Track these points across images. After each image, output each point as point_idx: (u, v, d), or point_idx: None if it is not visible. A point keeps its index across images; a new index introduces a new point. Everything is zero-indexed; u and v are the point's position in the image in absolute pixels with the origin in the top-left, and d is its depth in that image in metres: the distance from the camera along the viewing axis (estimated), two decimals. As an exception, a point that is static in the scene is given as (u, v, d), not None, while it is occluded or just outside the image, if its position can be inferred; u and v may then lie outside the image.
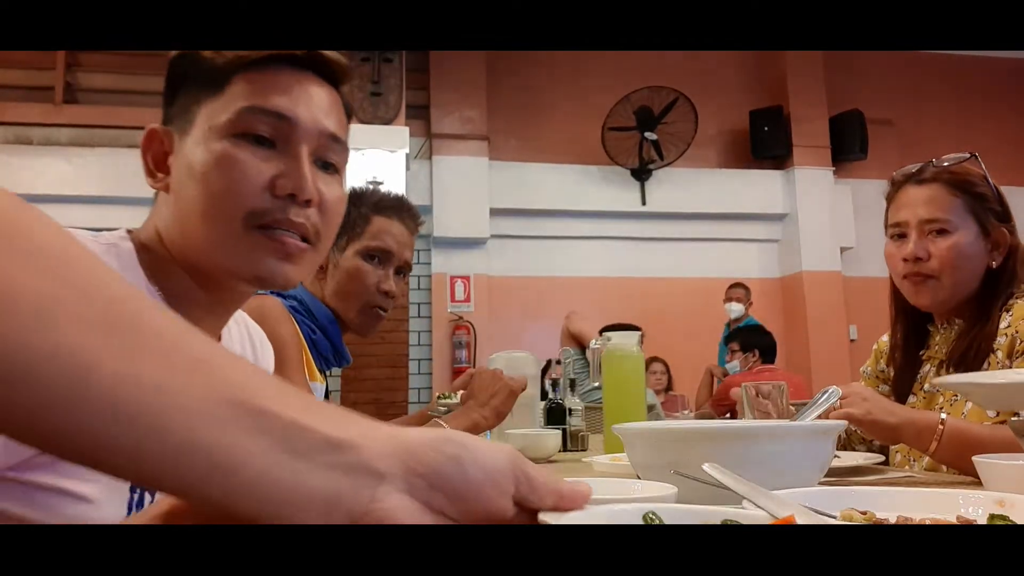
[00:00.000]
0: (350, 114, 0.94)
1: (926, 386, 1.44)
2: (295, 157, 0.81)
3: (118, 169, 5.20)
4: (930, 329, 1.49)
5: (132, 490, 0.78)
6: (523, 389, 1.67)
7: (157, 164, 0.85)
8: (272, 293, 1.47)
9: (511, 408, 1.63)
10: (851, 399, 1.21)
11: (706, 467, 0.68)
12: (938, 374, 1.42)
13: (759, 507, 0.61)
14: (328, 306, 1.61)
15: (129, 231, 0.86)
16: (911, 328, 1.51)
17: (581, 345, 4.13)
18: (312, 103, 0.83)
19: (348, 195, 1.63)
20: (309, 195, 0.80)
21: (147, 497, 0.79)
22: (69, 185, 5.15)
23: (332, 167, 0.87)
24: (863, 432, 1.34)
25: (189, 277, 0.83)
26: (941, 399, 1.40)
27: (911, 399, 1.46)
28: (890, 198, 1.47)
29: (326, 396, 1.65)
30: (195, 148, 0.80)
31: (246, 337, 1.02)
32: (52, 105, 5.35)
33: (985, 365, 1.33)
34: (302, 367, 1.43)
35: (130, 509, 0.77)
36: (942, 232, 1.38)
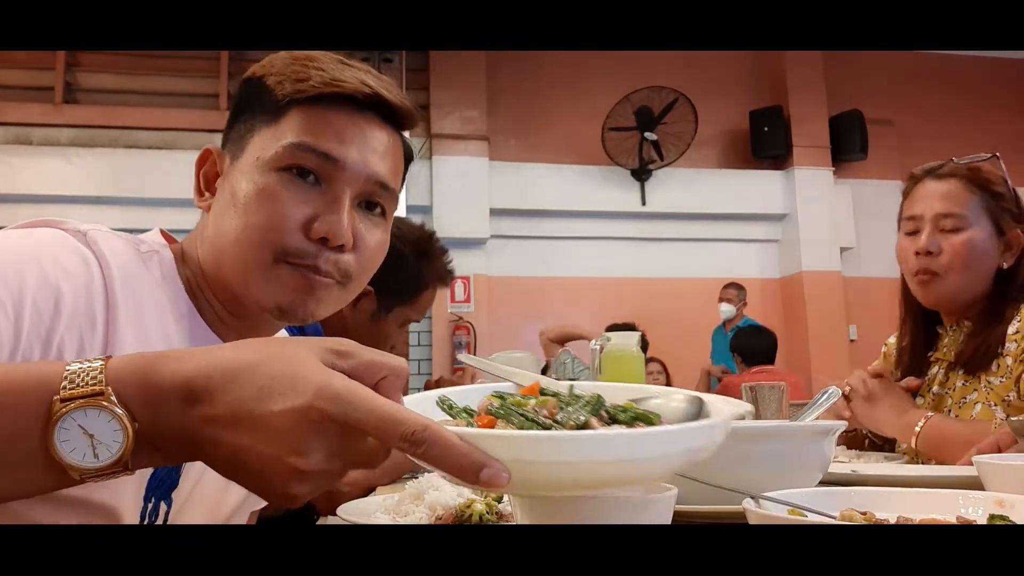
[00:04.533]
0: (410, 159, 0.91)
1: (935, 388, 1.44)
2: (335, 200, 0.79)
3: (118, 169, 5.20)
4: (939, 331, 1.48)
5: (146, 499, 0.77)
6: None
7: (207, 184, 0.85)
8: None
9: None
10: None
11: (461, 357, 0.71)
12: (947, 376, 1.41)
13: (506, 379, 0.65)
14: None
15: (165, 235, 0.86)
16: (920, 330, 1.50)
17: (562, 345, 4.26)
18: (365, 146, 0.81)
19: (415, 245, 1.65)
20: (343, 241, 0.79)
21: (161, 506, 0.79)
22: (69, 185, 5.15)
23: (378, 208, 0.84)
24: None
25: (219, 301, 0.83)
26: (949, 401, 1.39)
27: (919, 401, 1.45)
28: (907, 192, 1.47)
29: None
30: (241, 177, 0.79)
31: None
32: (52, 105, 5.34)
33: (994, 367, 1.33)
34: None
35: (143, 518, 0.77)
36: (956, 228, 1.37)
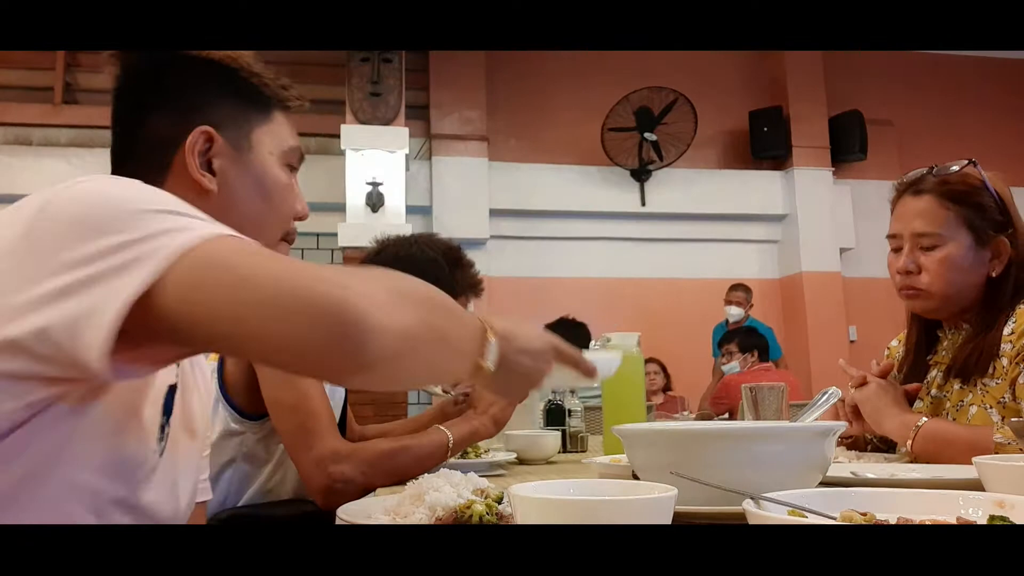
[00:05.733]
0: None
1: (933, 391, 1.44)
2: (298, 188, 0.99)
3: (118, 169, 5.20)
4: (939, 335, 1.49)
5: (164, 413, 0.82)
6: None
7: (201, 163, 0.88)
8: None
9: (510, 416, 1.63)
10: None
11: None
12: (944, 380, 1.42)
13: None
14: None
15: None
16: (922, 333, 1.51)
17: None
18: None
19: (445, 253, 1.71)
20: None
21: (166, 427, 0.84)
22: (69, 185, 5.15)
23: None
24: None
25: None
26: (947, 404, 1.40)
27: (918, 404, 1.46)
28: (892, 205, 1.48)
29: (346, 400, 1.64)
30: (261, 168, 0.93)
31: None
32: (52, 105, 5.34)
33: (991, 370, 1.33)
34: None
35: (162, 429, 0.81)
36: (933, 246, 1.37)
